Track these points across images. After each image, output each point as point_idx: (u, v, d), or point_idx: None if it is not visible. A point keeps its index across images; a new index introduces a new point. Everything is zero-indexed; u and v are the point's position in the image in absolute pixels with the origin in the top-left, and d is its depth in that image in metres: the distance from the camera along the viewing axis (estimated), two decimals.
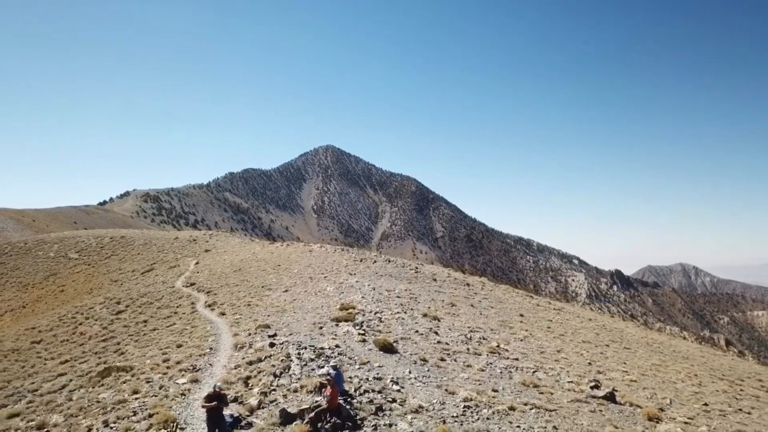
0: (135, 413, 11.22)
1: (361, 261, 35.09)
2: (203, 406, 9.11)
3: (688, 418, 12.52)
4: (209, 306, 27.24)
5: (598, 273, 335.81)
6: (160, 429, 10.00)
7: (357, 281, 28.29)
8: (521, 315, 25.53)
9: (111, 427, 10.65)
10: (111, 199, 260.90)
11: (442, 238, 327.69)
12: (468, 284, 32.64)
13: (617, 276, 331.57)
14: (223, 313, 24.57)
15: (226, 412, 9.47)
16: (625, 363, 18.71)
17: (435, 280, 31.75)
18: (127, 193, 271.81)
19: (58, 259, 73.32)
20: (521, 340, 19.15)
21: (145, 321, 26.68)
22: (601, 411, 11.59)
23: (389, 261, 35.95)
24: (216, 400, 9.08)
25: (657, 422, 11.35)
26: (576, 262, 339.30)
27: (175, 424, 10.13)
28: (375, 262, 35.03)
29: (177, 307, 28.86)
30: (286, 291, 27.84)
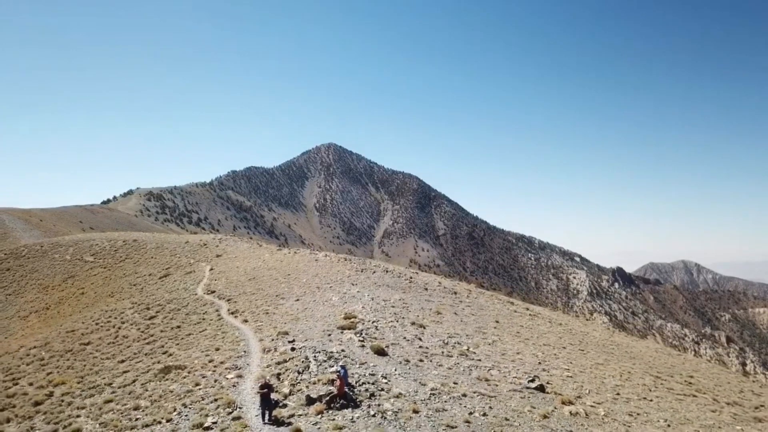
0: (203, 398, 16.32)
1: (362, 271, 40.17)
2: (258, 392, 14.19)
3: (596, 403, 17.56)
4: (232, 313, 32.34)
5: (600, 270, 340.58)
6: (226, 408, 15.09)
7: (358, 291, 33.37)
8: (497, 321, 30.59)
9: (189, 408, 15.74)
10: (114, 197, 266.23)
11: (444, 235, 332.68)
12: (455, 293, 37.74)
13: (619, 273, 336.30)
14: (245, 320, 29.66)
15: (272, 396, 14.52)
16: (571, 362, 23.74)
17: (426, 289, 36.85)
18: (130, 192, 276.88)
19: (74, 262, 78.49)
20: (489, 344, 24.21)
21: (179, 326, 31.75)
22: (528, 398, 16.63)
23: (387, 271, 41.02)
24: (266, 388, 14.15)
25: (567, 405, 16.37)
26: (577, 259, 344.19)
27: (235, 405, 15.24)
28: (374, 272, 40.11)
29: (204, 313, 33.94)
30: (298, 300, 32.92)
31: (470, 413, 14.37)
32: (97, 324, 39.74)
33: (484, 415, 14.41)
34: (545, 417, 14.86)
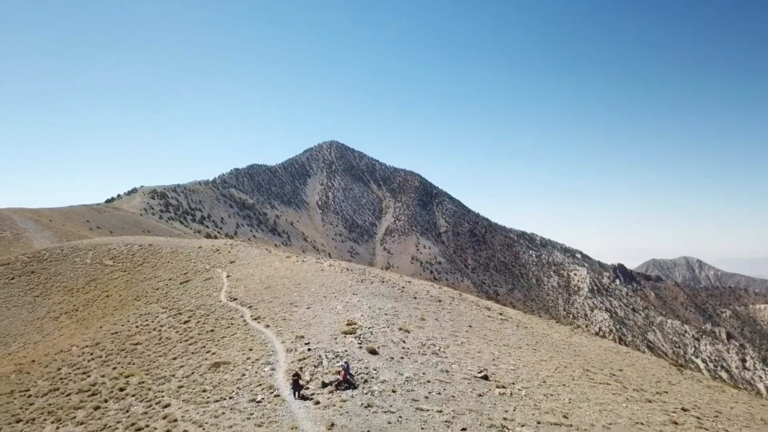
0: (250, 384, 24.30)
1: (362, 282, 48.15)
2: (290, 379, 22.16)
3: (523, 387, 25.47)
4: (255, 319, 40.27)
5: (601, 267, 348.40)
6: (268, 390, 23.07)
7: (358, 301, 41.33)
8: (470, 326, 38.55)
9: (243, 390, 23.72)
10: (119, 195, 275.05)
11: (446, 233, 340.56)
12: (440, 300, 45.72)
13: (620, 270, 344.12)
14: (267, 326, 37.58)
15: (300, 382, 22.48)
16: (519, 359, 31.67)
17: (415, 298, 44.83)
18: (134, 190, 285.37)
19: (94, 265, 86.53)
20: (458, 345, 32.16)
21: (212, 330, 39.72)
22: (473, 383, 24.55)
23: (383, 281, 48.99)
24: (296, 376, 22.12)
25: (500, 388, 24.28)
26: (579, 256, 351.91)
27: (274, 388, 23.22)
28: (372, 282, 48.10)
29: (231, 319, 41.90)
30: (309, 308, 40.85)
31: (429, 392, 22.36)
32: (137, 327, 47.70)
33: (439, 393, 22.39)
34: (480, 395, 22.82)
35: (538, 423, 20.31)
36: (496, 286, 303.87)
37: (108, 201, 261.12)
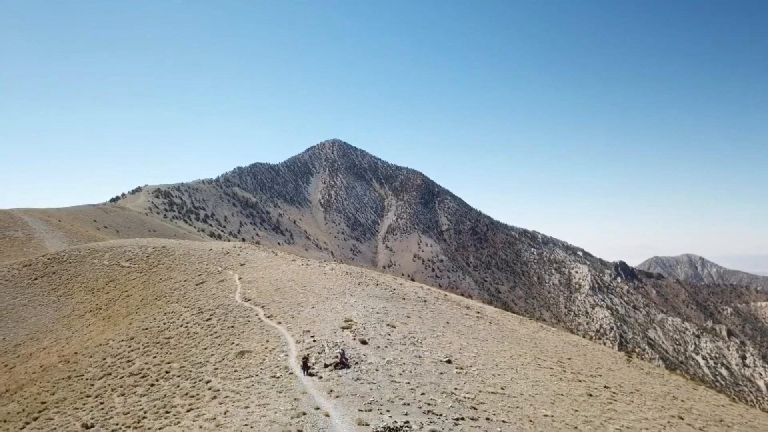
0: (270, 366, 32.90)
1: (359, 284, 56.75)
2: (301, 362, 30.77)
3: (477, 369, 34.00)
4: (268, 317, 48.90)
5: (603, 265, 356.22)
6: (284, 370, 31.69)
7: (355, 301, 49.88)
8: (447, 323, 47.11)
9: (264, 370, 32.32)
10: (123, 194, 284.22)
11: (447, 231, 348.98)
12: (425, 301, 54.30)
13: (621, 267, 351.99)
14: (279, 323, 46.18)
15: (308, 363, 31.06)
16: (483, 349, 40.17)
17: (404, 299, 53.41)
18: (138, 189, 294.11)
19: (112, 267, 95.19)
20: (434, 338, 40.72)
21: (232, 326, 48.33)
22: (438, 365, 33.09)
23: (377, 284, 57.58)
24: (305, 359, 30.72)
25: (458, 369, 32.78)
26: (580, 254, 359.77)
27: (288, 368, 31.86)
28: (368, 285, 56.70)
29: (247, 317, 50.52)
30: (313, 308, 49.42)
31: (403, 371, 30.96)
32: (164, 324, 56.34)
33: (410, 372, 30.98)
34: (441, 374, 31.40)
35: (480, 391, 28.88)
36: (498, 283, 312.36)
37: (113, 200, 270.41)
